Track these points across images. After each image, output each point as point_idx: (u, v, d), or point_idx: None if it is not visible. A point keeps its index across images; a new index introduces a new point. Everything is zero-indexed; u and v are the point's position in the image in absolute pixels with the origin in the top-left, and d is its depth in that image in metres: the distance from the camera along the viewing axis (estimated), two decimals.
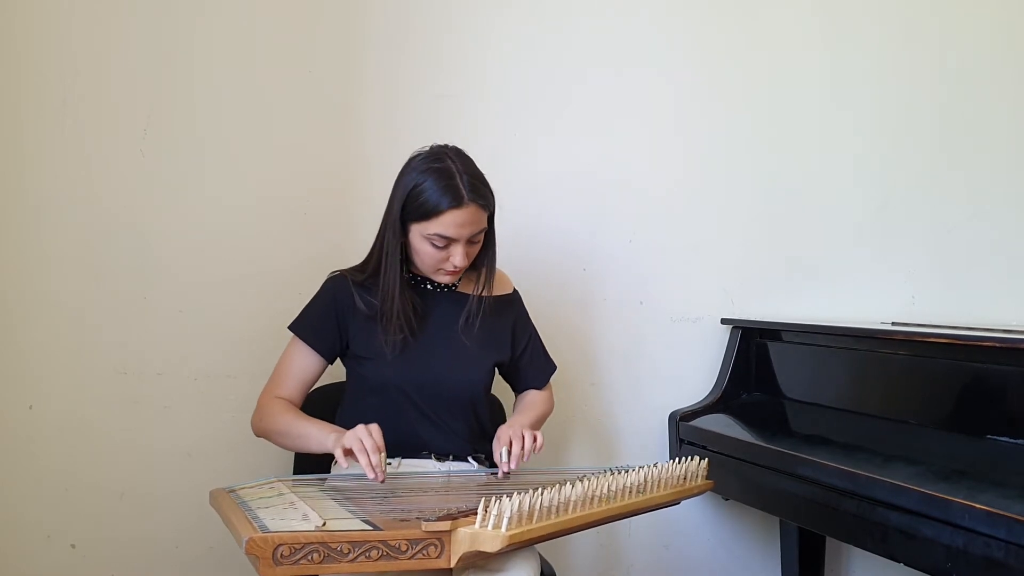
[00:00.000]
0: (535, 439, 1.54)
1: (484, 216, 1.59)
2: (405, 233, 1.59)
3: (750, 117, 2.33)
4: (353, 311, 1.64)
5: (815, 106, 2.37)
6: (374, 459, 1.40)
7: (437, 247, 1.56)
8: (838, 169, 2.39)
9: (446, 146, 1.60)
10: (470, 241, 1.58)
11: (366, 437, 1.42)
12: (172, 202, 1.96)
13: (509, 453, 1.52)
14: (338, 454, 1.43)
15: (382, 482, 1.42)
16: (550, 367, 1.82)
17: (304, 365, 1.66)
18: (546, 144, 2.20)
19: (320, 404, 1.72)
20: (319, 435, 1.52)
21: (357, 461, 1.42)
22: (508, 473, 1.53)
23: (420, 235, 1.57)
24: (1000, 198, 2.46)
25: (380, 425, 1.48)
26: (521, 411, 1.74)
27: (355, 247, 1.72)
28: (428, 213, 1.53)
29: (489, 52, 2.17)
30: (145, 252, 1.95)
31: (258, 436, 1.64)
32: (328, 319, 1.65)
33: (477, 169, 1.58)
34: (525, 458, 1.53)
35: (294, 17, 2.04)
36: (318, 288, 1.69)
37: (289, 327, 1.67)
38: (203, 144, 1.98)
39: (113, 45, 1.93)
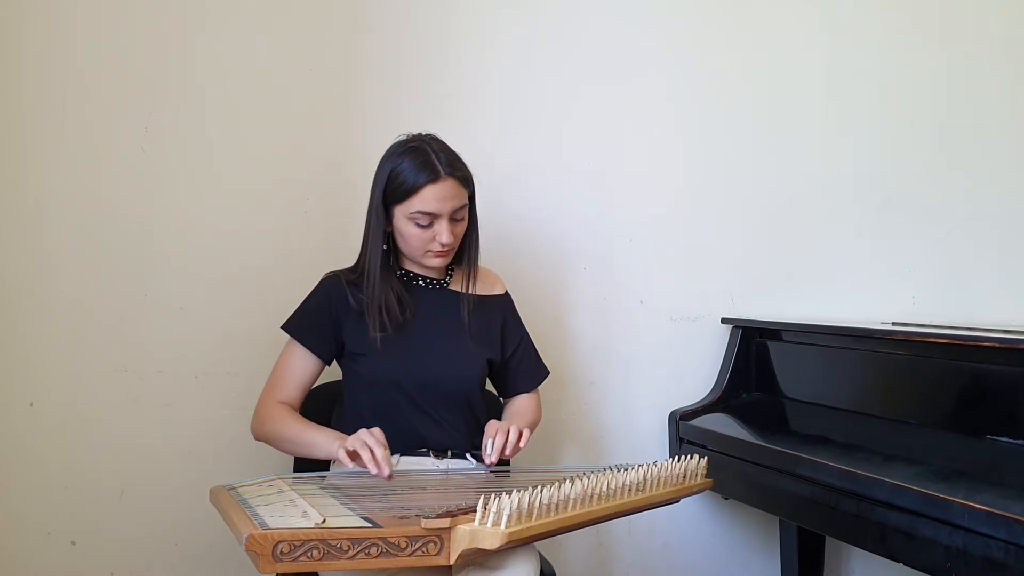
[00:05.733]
0: (520, 435, 1.53)
1: (464, 193, 1.61)
2: (389, 219, 1.61)
3: (750, 116, 2.33)
4: (347, 310, 1.64)
5: (815, 106, 2.37)
6: (379, 453, 1.41)
7: (422, 226, 1.58)
8: (838, 169, 2.38)
9: (420, 133, 1.64)
10: (453, 218, 1.60)
11: (368, 437, 1.43)
12: (173, 200, 1.97)
13: (493, 445, 1.51)
14: (342, 455, 1.43)
15: (389, 477, 1.41)
16: (541, 372, 1.82)
17: (302, 367, 1.66)
18: (546, 144, 2.20)
19: (318, 403, 1.72)
20: (325, 443, 1.52)
21: (362, 463, 1.42)
22: (492, 465, 1.52)
23: (404, 216, 1.59)
24: (1000, 198, 2.45)
25: (378, 422, 1.49)
26: (509, 416, 1.74)
27: (354, 245, 1.72)
28: (408, 191, 1.56)
29: (489, 52, 2.17)
30: (146, 250, 1.95)
31: (258, 440, 1.65)
32: (323, 320, 1.65)
33: (453, 150, 1.62)
34: (508, 452, 1.51)
35: (295, 16, 2.04)
36: (314, 287, 1.70)
37: (284, 328, 1.67)
38: (204, 142, 1.98)
39: (114, 43, 1.93)
